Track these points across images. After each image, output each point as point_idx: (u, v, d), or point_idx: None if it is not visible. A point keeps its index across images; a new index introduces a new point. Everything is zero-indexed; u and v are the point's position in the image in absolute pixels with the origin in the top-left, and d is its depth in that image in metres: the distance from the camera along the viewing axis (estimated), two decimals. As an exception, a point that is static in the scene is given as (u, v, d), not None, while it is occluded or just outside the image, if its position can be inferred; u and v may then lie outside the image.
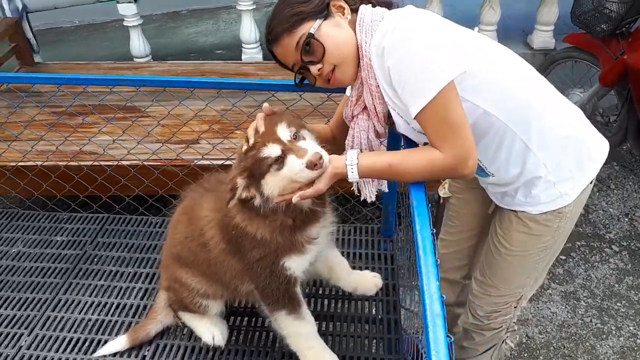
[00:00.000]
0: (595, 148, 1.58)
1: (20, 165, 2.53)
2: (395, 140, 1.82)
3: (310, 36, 1.39)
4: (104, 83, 2.09)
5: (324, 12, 1.41)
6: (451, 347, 1.04)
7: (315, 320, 1.93)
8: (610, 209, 3.44)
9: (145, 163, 2.50)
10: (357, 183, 1.75)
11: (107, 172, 2.50)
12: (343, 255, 2.20)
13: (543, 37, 4.23)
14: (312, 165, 1.38)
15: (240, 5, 4.06)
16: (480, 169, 1.59)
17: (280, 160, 1.41)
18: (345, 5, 1.46)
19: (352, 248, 2.30)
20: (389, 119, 1.54)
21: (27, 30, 4.04)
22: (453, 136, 1.32)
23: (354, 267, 2.13)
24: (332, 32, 1.41)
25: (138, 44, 4.16)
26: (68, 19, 5.88)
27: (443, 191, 2.04)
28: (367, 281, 2.02)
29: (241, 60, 4.21)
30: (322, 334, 1.89)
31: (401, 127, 1.52)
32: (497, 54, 1.48)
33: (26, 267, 2.23)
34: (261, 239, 1.55)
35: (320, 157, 1.39)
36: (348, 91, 1.60)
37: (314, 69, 1.44)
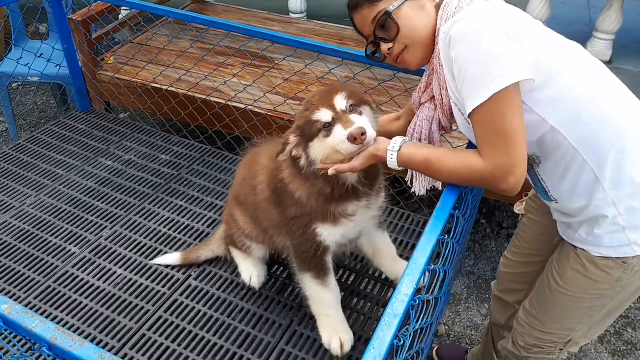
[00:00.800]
0: None
1: (151, 86, 2.87)
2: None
3: (388, 14, 1.37)
4: (244, 32, 2.28)
5: None
6: (398, 351, 1.00)
7: (349, 295, 1.96)
8: None
9: (248, 108, 2.68)
10: (412, 174, 1.71)
11: (216, 109, 2.72)
12: (398, 243, 2.18)
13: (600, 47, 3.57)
14: (352, 139, 1.37)
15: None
16: (543, 191, 1.44)
17: (328, 127, 1.43)
18: None
19: (411, 238, 2.24)
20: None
21: (206, -29, 4.44)
22: (499, 145, 1.22)
23: (407, 259, 2.10)
24: (412, 13, 1.38)
25: (295, 1, 4.34)
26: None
27: (519, 208, 1.88)
28: None
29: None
30: (350, 309, 1.91)
31: (461, 125, 1.44)
32: (584, 65, 1.31)
33: (130, 173, 2.56)
34: (298, 199, 1.59)
35: (363, 133, 1.37)
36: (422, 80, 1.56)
37: (384, 46, 1.43)
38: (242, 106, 2.72)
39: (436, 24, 1.38)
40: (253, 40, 2.35)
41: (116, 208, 2.35)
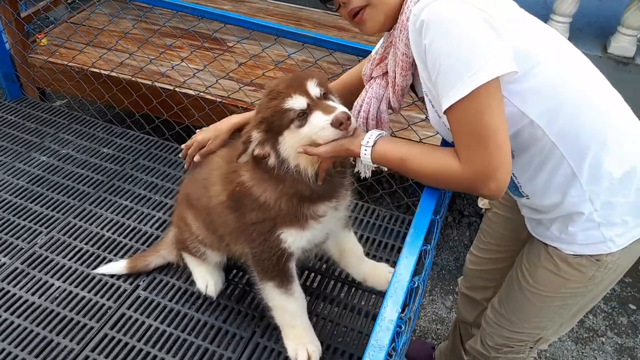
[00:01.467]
0: None
1: (90, 71, 2.60)
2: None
3: None
4: (193, 12, 2.04)
5: None
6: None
7: (314, 299, 1.83)
8: None
9: (200, 95, 2.46)
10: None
11: (163, 97, 2.49)
12: (371, 242, 2.06)
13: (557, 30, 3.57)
14: (337, 124, 1.24)
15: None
16: (514, 186, 1.34)
17: (303, 117, 1.29)
18: None
19: (382, 236, 2.12)
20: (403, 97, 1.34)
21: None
22: (479, 147, 1.10)
23: (376, 257, 1.98)
24: None
25: (247, -22, 4.10)
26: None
27: (483, 202, 1.79)
28: (380, 275, 1.83)
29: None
30: (316, 314, 1.79)
31: (432, 118, 1.31)
32: (566, 56, 1.21)
33: (68, 170, 2.31)
34: (264, 203, 1.43)
35: (349, 118, 1.25)
36: (374, 51, 1.40)
37: (345, 13, 1.24)
38: (193, 93, 2.51)
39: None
40: (203, 20, 2.14)
41: (52, 210, 2.11)
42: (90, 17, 3.15)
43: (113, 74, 2.62)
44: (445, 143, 1.36)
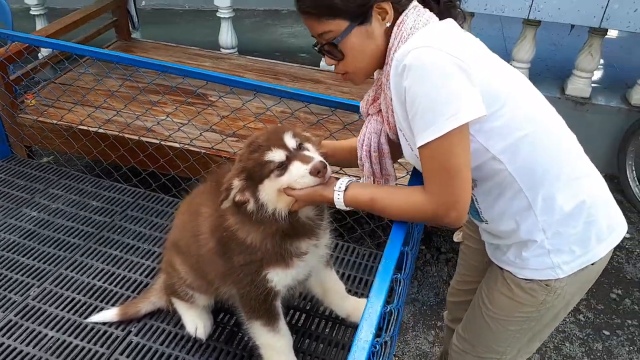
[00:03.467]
0: (607, 229, 1.40)
1: (78, 129, 2.73)
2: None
3: (333, 44, 1.33)
4: (152, 67, 2.20)
5: (361, 17, 1.30)
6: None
7: (300, 336, 1.91)
8: (679, 294, 3.07)
9: (184, 148, 2.60)
10: None
11: (149, 151, 2.62)
12: (353, 280, 2.17)
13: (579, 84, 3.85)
14: (315, 172, 1.37)
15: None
16: (475, 212, 1.47)
17: (283, 167, 1.41)
18: (390, 11, 1.31)
19: (362, 274, 2.23)
20: None
21: (131, 7, 4.33)
22: (444, 181, 1.23)
23: (359, 295, 2.08)
24: (358, 43, 1.32)
25: (226, 36, 4.33)
26: (181, 3, 6.28)
27: (457, 236, 1.92)
28: (362, 310, 1.93)
29: (319, 67, 4.24)
30: (302, 351, 1.86)
31: (406, 152, 1.44)
32: (528, 97, 1.34)
33: (58, 223, 2.39)
34: (250, 245, 1.53)
35: (325, 167, 1.38)
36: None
37: (328, 61, 1.40)
38: (178, 146, 2.64)
39: (387, 44, 1.34)
40: (186, 78, 2.30)
41: (44, 263, 2.18)
42: (77, 78, 3.31)
43: (101, 130, 2.75)
44: (415, 177, 1.50)
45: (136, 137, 2.69)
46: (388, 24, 1.32)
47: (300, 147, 1.45)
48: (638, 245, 3.42)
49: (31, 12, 4.49)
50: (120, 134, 2.72)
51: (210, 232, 1.64)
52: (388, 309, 1.17)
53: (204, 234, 1.66)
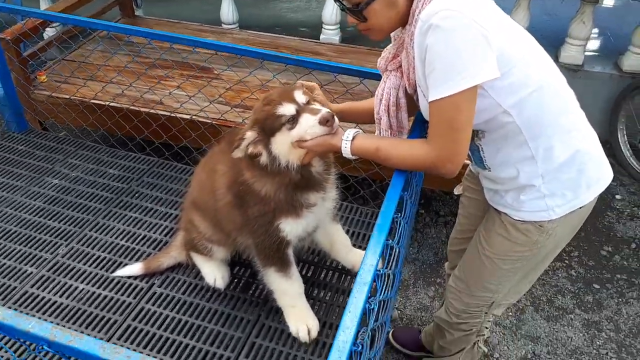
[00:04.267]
0: (596, 177, 1.56)
1: (93, 102, 2.87)
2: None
3: (357, 9, 1.41)
4: (163, 38, 2.31)
5: None
6: (368, 314, 1.13)
7: (310, 286, 2.08)
8: (665, 249, 3.24)
9: (195, 117, 2.73)
10: None
11: (161, 121, 2.77)
12: (358, 236, 2.33)
13: (635, 60, 3.95)
14: (324, 121, 1.50)
15: (326, -14, 4.19)
16: (479, 159, 1.61)
17: (293, 120, 1.54)
18: None
19: (362, 229, 2.39)
20: None
21: (134, -14, 4.43)
22: (447, 137, 1.37)
23: (359, 247, 2.24)
24: (381, 9, 1.41)
25: (227, 11, 4.42)
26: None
27: (458, 189, 2.07)
28: None
29: (319, 40, 4.35)
30: (312, 298, 2.02)
31: (422, 105, 1.54)
32: (535, 56, 1.45)
33: (79, 190, 2.55)
34: (264, 196, 1.67)
35: (333, 116, 1.51)
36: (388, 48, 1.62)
37: (351, 20, 1.49)
38: (188, 116, 2.78)
39: (409, 7, 1.41)
40: (193, 52, 2.42)
41: (69, 225, 2.34)
42: (84, 54, 3.43)
43: (113, 103, 2.88)
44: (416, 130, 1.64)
45: (147, 109, 2.83)
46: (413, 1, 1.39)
47: (309, 102, 1.59)
48: (628, 206, 3.57)
49: (35, -8, 4.58)
50: (133, 107, 2.85)
51: (227, 187, 1.78)
52: (390, 243, 1.32)
53: (220, 188, 1.81)
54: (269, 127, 1.57)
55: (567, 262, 3.15)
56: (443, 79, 1.30)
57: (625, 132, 3.87)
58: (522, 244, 1.62)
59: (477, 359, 2.16)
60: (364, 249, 2.22)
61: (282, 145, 1.57)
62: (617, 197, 3.63)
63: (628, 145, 3.84)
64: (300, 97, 1.58)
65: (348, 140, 1.51)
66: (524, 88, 1.39)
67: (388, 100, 1.59)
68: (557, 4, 4.43)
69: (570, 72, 3.94)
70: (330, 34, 4.33)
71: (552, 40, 4.36)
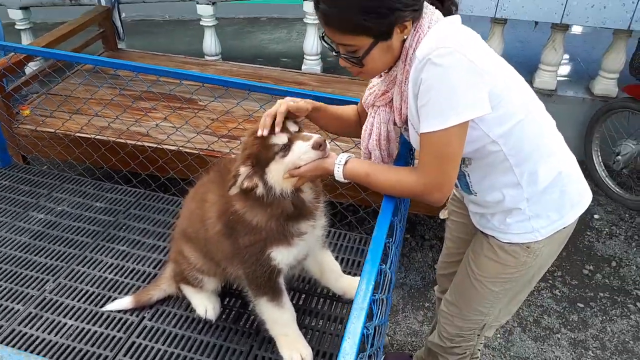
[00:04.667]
0: (577, 197, 1.62)
1: (78, 136, 2.87)
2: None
3: (357, 58, 1.43)
4: (153, 72, 2.35)
5: (385, 35, 1.39)
6: (366, 339, 1.16)
7: (302, 314, 2.08)
8: (644, 266, 3.32)
9: (182, 149, 2.76)
10: None
11: (148, 152, 2.78)
12: (347, 262, 2.35)
13: (605, 85, 4.11)
14: (317, 146, 1.54)
15: (306, 18, 4.29)
16: (465, 185, 1.65)
17: (286, 148, 1.57)
18: (410, 26, 1.41)
19: (355, 256, 2.41)
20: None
21: (116, 19, 4.47)
22: (437, 168, 1.41)
23: (352, 274, 2.26)
24: (377, 55, 1.43)
25: (210, 43, 4.49)
26: (161, 13, 6.41)
27: (443, 214, 2.11)
28: (356, 288, 2.12)
29: (301, 70, 4.44)
30: (304, 327, 2.02)
31: (412, 136, 1.57)
32: (519, 88, 1.50)
33: (66, 224, 2.53)
34: (255, 226, 1.69)
35: (325, 141, 1.55)
36: (372, 84, 1.64)
37: (344, 63, 1.50)
38: (175, 147, 2.80)
39: (402, 46, 1.43)
40: (180, 84, 2.45)
41: (56, 260, 2.31)
42: (68, 88, 3.43)
43: (100, 136, 2.89)
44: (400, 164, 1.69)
45: (134, 142, 2.84)
46: (406, 37, 1.42)
47: (299, 130, 1.64)
48: (606, 225, 3.67)
49: (16, 27, 4.59)
50: (120, 139, 2.86)
51: (217, 216, 1.80)
52: (383, 268, 1.35)
53: (210, 218, 1.82)
54: (263, 158, 1.60)
55: (550, 282, 3.21)
56: (436, 112, 1.34)
57: (599, 154, 3.99)
58: (510, 265, 1.66)
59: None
60: (354, 275, 2.27)
61: (277, 173, 1.60)
62: (596, 216, 3.73)
63: (603, 166, 3.96)
64: (291, 125, 1.62)
65: (340, 164, 1.55)
66: (511, 119, 1.44)
67: (379, 135, 1.61)
68: (529, 32, 4.58)
69: (545, 97, 4.07)
70: (312, 64, 4.42)
71: (525, 66, 4.51)
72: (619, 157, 3.68)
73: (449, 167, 1.40)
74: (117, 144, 2.84)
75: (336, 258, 2.34)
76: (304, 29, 5.77)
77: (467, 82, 1.32)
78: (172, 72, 2.34)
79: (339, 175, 1.56)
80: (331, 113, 1.82)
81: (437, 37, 1.36)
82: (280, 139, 1.58)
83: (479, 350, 2.11)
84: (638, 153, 3.54)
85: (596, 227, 3.65)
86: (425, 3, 1.44)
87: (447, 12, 1.47)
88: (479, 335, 1.90)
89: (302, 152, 1.56)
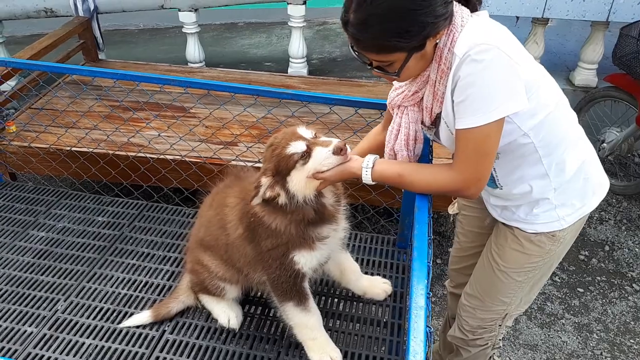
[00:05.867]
0: (598, 183, 1.68)
1: (74, 150, 2.79)
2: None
3: (393, 72, 1.42)
4: (155, 81, 2.32)
5: (418, 48, 1.38)
6: (429, 336, 1.16)
7: (324, 317, 2.07)
8: (637, 249, 3.43)
9: (186, 158, 2.71)
10: None
11: (150, 163, 2.72)
12: (358, 262, 2.33)
13: (585, 75, 4.24)
14: (338, 151, 1.53)
15: (291, 22, 4.28)
16: (491, 180, 1.66)
17: (305, 156, 1.57)
18: (443, 32, 1.40)
19: (368, 255, 2.42)
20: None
21: (95, 30, 4.36)
22: (475, 163, 1.42)
23: (367, 274, 2.27)
24: (412, 65, 1.42)
25: (193, 50, 4.44)
26: (135, 22, 6.30)
27: (452, 209, 2.13)
28: (376, 287, 2.13)
29: (287, 73, 4.42)
30: (328, 329, 2.01)
31: (443, 135, 1.58)
32: (547, 81, 1.53)
33: (69, 241, 2.46)
34: (275, 229, 1.68)
35: (345, 145, 1.54)
36: (399, 86, 1.61)
37: (377, 73, 1.49)
38: (179, 157, 2.75)
39: (434, 49, 1.43)
40: (163, 90, 2.39)
41: (64, 278, 2.25)
42: (57, 103, 3.34)
43: (99, 149, 2.82)
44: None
45: (134, 153, 2.78)
46: (439, 41, 1.42)
47: (316, 136, 1.63)
48: (596, 211, 3.77)
49: (-10, 41, 4.45)
50: (120, 151, 2.80)
51: (239, 219, 1.78)
52: (429, 264, 1.36)
53: (232, 221, 1.80)
54: (283, 168, 1.59)
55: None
56: (475, 108, 1.36)
57: (584, 142, 4.09)
58: (535, 254, 1.70)
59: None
60: (370, 274, 2.27)
61: (299, 181, 1.60)
62: (585, 203, 3.83)
63: (588, 155, 4.05)
64: (307, 133, 1.62)
65: (369, 167, 1.55)
66: (542, 111, 1.48)
67: (407, 135, 1.61)
68: (511, 27, 4.68)
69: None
70: (298, 67, 4.41)
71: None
72: (604, 144, 3.78)
73: (486, 162, 1.42)
74: (116, 156, 2.78)
75: (355, 259, 2.35)
76: (283, 33, 5.78)
77: (506, 77, 1.34)
78: (176, 80, 2.30)
79: (367, 179, 1.56)
80: (375, 147, 1.82)
81: (474, 34, 1.38)
82: (298, 146, 1.57)
83: (500, 340, 2.14)
84: (622, 140, 3.64)
85: (587, 213, 3.74)
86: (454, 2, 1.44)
87: (473, 9, 1.49)
88: (500, 325, 1.93)
89: (323, 157, 1.56)
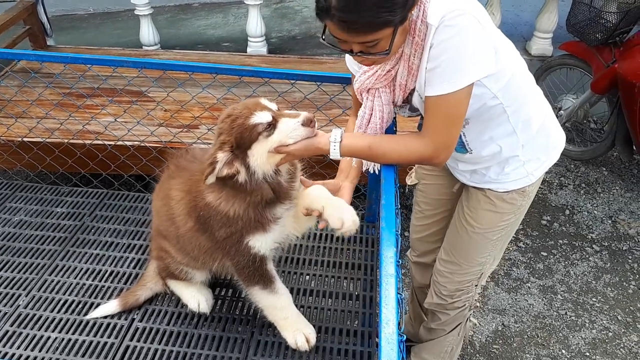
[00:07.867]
0: (557, 137, 1.73)
1: (26, 140, 2.67)
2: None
3: (385, 52, 1.39)
4: (107, 63, 2.22)
5: (403, 20, 1.36)
6: (401, 303, 1.16)
7: (294, 294, 2.06)
8: (595, 211, 3.54)
9: (145, 143, 2.63)
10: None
11: (108, 150, 2.63)
12: (327, 235, 2.34)
13: (541, 44, 4.32)
14: (308, 122, 1.47)
15: (248, 0, 4.18)
16: (460, 145, 1.67)
17: (270, 127, 1.48)
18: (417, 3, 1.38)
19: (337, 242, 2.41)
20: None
21: (42, 14, 4.15)
22: (445, 129, 1.43)
23: (337, 249, 2.27)
24: (398, 39, 1.40)
25: (147, 33, 4.30)
26: (83, 6, 6.04)
27: (410, 179, 2.13)
28: (339, 210, 1.64)
29: (246, 52, 4.34)
30: (301, 306, 2.02)
31: (415, 100, 1.57)
32: (509, 48, 1.55)
33: (27, 234, 2.37)
34: (232, 216, 1.59)
35: (314, 117, 1.49)
36: (366, 69, 1.57)
37: (360, 59, 1.46)
38: (138, 142, 2.67)
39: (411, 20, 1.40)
40: (117, 74, 2.29)
41: (24, 273, 2.16)
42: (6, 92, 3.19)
43: (52, 139, 2.71)
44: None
45: (90, 141, 2.68)
46: (417, 11, 1.40)
47: (279, 109, 1.56)
48: (556, 177, 3.87)
49: None
50: (75, 139, 2.69)
51: (186, 213, 1.70)
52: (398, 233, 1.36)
53: (179, 215, 1.72)
54: (246, 140, 1.50)
55: (514, 235, 3.35)
56: (448, 75, 1.36)
57: (542, 111, 4.18)
58: (508, 212, 1.75)
59: (468, 333, 2.26)
60: (341, 250, 2.27)
61: (261, 155, 1.51)
62: (545, 170, 3.93)
63: (547, 122, 4.15)
64: (271, 104, 1.54)
65: (336, 141, 1.51)
66: (507, 72, 1.50)
67: (382, 118, 1.58)
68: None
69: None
70: (257, 46, 4.33)
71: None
72: (562, 112, 3.87)
73: (456, 128, 1.44)
74: (72, 144, 2.67)
75: (321, 235, 2.35)
76: (240, 12, 5.65)
77: (477, 42, 1.35)
78: (154, 63, 2.21)
79: (335, 154, 1.51)
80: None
81: (444, 2, 1.36)
82: (264, 117, 1.48)
83: (475, 299, 2.18)
84: (578, 106, 3.73)
85: (547, 179, 3.84)
86: None
87: None
88: (476, 285, 1.97)
89: (291, 129, 1.48)
